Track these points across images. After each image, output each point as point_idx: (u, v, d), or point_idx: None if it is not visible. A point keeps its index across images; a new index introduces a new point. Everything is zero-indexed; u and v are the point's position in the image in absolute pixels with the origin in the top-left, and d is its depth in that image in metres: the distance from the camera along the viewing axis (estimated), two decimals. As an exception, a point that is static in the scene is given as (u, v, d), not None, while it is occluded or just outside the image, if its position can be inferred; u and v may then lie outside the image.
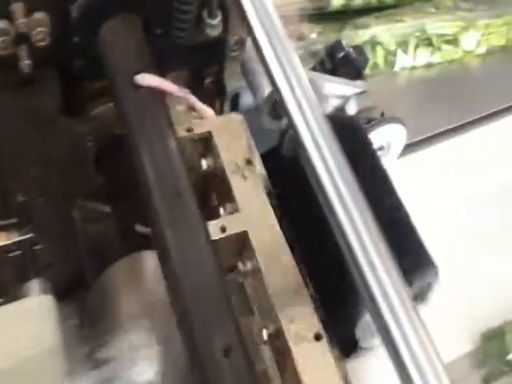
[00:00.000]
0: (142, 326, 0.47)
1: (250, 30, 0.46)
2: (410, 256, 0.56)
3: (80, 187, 0.64)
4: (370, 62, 0.80)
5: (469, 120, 0.80)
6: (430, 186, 0.75)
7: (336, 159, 0.39)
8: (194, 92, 0.81)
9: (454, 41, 0.83)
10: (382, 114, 0.75)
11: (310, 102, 0.41)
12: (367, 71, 0.79)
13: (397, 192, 0.59)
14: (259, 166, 0.52)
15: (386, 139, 0.69)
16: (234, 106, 0.73)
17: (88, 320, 0.55)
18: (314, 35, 0.77)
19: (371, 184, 0.59)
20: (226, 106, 0.72)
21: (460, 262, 0.66)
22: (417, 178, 0.76)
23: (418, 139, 0.78)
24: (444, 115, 0.80)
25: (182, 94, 0.51)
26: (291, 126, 0.41)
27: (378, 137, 0.68)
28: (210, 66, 0.71)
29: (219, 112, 0.71)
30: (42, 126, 0.58)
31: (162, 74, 0.56)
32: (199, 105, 0.52)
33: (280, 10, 0.84)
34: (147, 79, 0.49)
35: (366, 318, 0.53)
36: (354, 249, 0.36)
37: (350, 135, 0.62)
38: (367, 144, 0.62)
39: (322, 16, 0.83)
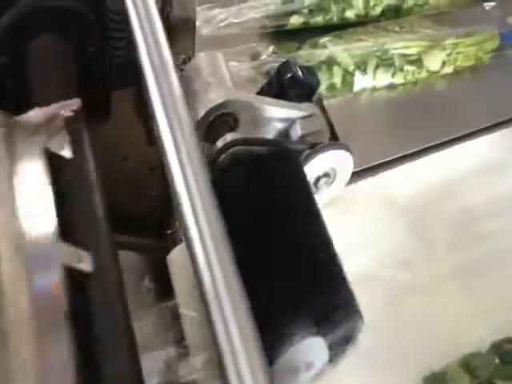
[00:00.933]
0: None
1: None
2: (333, 299, 0.53)
3: None
4: (327, 83, 0.77)
5: (431, 144, 0.77)
6: (384, 213, 0.72)
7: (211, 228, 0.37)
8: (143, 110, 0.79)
9: (417, 61, 0.80)
10: (330, 139, 0.72)
11: (193, 165, 0.38)
12: (324, 92, 0.77)
13: (327, 230, 0.57)
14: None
15: (330, 166, 0.67)
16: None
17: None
18: (266, 54, 0.75)
19: (300, 222, 0.57)
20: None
21: (398, 303, 0.63)
22: (369, 205, 0.73)
23: (375, 163, 0.75)
24: (404, 139, 0.77)
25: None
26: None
27: (321, 163, 0.66)
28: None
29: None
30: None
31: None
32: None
33: (239, 27, 0.83)
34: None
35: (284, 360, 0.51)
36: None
37: (283, 169, 0.59)
38: (299, 179, 0.59)
39: (281, 34, 0.81)
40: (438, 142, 0.77)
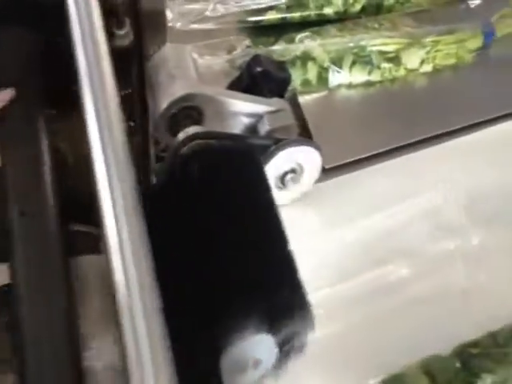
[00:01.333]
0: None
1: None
2: (285, 297, 0.53)
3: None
4: (302, 79, 0.76)
5: (407, 142, 0.76)
6: (353, 212, 0.71)
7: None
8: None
9: (395, 58, 0.78)
10: (303, 135, 0.72)
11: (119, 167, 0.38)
12: (299, 88, 0.76)
13: (282, 228, 0.56)
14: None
15: (297, 162, 0.66)
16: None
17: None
18: (242, 48, 0.74)
19: (254, 218, 0.56)
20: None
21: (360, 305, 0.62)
22: (339, 203, 0.72)
23: (348, 161, 0.74)
24: (379, 137, 0.76)
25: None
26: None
27: (287, 158, 0.65)
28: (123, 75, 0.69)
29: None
30: None
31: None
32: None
33: (216, 21, 0.82)
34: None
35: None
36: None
37: (241, 164, 0.59)
38: (257, 175, 0.58)
39: (258, 29, 0.80)
40: (413, 141, 0.76)
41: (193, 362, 0.49)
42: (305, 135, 0.74)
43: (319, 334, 0.60)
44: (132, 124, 0.70)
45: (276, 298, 0.52)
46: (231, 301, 0.51)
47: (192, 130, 0.60)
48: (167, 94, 0.61)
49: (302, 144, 0.64)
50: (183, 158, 0.58)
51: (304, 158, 0.66)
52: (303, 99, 0.76)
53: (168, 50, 0.64)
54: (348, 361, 0.60)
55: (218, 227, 0.54)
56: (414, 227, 0.70)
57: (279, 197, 0.69)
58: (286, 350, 0.52)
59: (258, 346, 0.50)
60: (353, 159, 0.74)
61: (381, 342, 0.60)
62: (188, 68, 0.63)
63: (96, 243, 0.60)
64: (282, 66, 0.71)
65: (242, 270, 0.53)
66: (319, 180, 0.73)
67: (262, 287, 0.52)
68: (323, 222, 0.71)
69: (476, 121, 0.78)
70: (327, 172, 0.74)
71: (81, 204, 0.69)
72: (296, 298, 0.53)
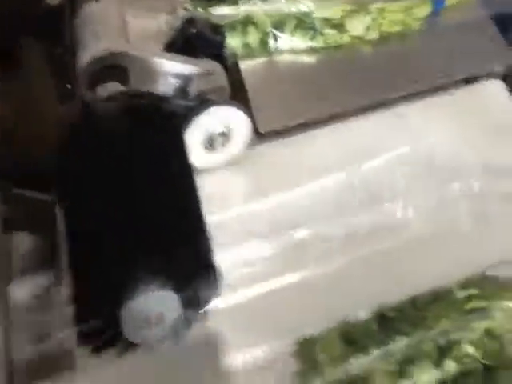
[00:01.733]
0: None
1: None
2: (193, 257, 0.53)
3: None
4: (242, 43, 0.75)
5: (349, 109, 0.75)
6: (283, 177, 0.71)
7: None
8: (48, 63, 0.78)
9: (339, 25, 0.77)
10: (235, 99, 0.71)
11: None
12: (239, 52, 0.76)
13: (195, 190, 0.56)
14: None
15: (225, 124, 0.65)
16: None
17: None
18: (181, 10, 0.73)
19: (166, 179, 0.56)
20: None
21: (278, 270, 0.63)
22: (275, 167, 0.71)
23: (285, 126, 0.73)
24: (320, 103, 0.75)
25: None
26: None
27: (214, 119, 0.64)
28: (54, 36, 0.69)
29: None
30: None
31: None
32: None
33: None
34: None
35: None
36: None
37: (157, 124, 0.58)
38: (172, 136, 0.58)
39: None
40: (356, 107, 0.75)
41: (95, 311, 0.49)
42: (242, 99, 0.73)
43: (236, 295, 0.61)
44: (69, 86, 0.70)
45: (182, 257, 0.52)
46: (137, 256, 0.51)
47: (111, 87, 0.60)
48: (89, 51, 0.60)
49: (227, 105, 0.64)
50: (99, 114, 0.58)
51: (232, 120, 0.66)
52: (244, 64, 0.76)
53: (94, 7, 0.63)
54: (263, 322, 0.60)
55: (127, 184, 0.54)
56: (347, 195, 0.70)
57: (210, 159, 0.69)
58: (190, 309, 0.52)
59: (162, 301, 0.51)
60: (291, 124, 0.74)
61: (298, 305, 0.60)
62: (113, 26, 0.63)
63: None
64: (217, 28, 0.70)
65: (151, 229, 0.53)
66: (255, 144, 0.73)
67: (168, 246, 0.52)
68: (256, 185, 0.70)
69: (421, 89, 0.78)
70: (264, 136, 0.74)
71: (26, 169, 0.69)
72: (202, 260, 0.53)
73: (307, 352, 0.59)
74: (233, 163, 0.70)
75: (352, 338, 0.59)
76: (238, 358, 0.59)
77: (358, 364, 0.57)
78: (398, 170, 0.71)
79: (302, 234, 0.66)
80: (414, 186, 0.68)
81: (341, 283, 0.61)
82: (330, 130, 0.74)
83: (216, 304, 0.58)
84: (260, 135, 0.74)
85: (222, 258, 0.58)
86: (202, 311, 0.55)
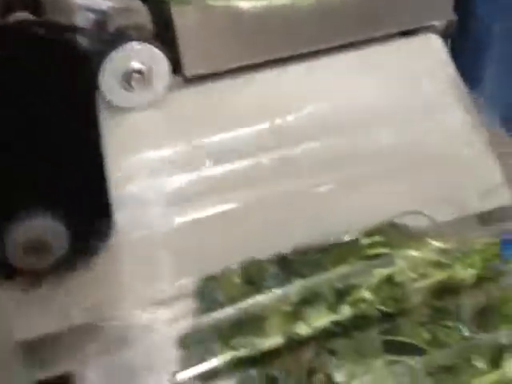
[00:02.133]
0: None
1: None
2: (88, 197, 0.53)
3: None
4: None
5: (276, 57, 0.75)
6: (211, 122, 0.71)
7: None
8: None
9: (273, -29, 0.76)
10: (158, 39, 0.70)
11: None
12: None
13: (97, 129, 0.56)
14: None
15: (142, 63, 0.65)
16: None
17: None
18: None
19: (73, 116, 0.56)
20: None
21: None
22: (197, 112, 0.71)
23: (212, 71, 0.73)
24: (249, 51, 0.74)
25: None
26: None
27: (131, 56, 0.64)
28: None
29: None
30: None
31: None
32: None
33: None
34: None
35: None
36: None
37: (63, 57, 0.58)
38: (80, 70, 0.58)
39: None
40: (284, 56, 0.74)
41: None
42: (170, 41, 0.73)
43: (139, 231, 0.62)
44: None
45: (76, 193, 0.52)
46: (29, 187, 0.51)
47: (21, 16, 0.59)
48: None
49: (145, 43, 0.64)
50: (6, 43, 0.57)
51: (151, 60, 0.65)
52: (176, 6, 0.75)
53: None
54: (165, 258, 0.60)
55: (27, 115, 0.54)
56: (267, 139, 0.69)
57: (128, 98, 0.68)
58: (82, 243, 0.53)
59: (49, 231, 0.51)
60: (219, 70, 0.73)
61: (201, 244, 0.61)
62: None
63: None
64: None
65: (47, 162, 0.53)
66: (180, 87, 0.72)
67: (64, 181, 0.52)
68: (176, 128, 0.70)
69: (357, 39, 0.77)
70: (192, 80, 0.73)
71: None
72: (97, 198, 0.54)
73: (208, 290, 0.60)
74: (155, 105, 0.70)
75: (252, 278, 0.59)
76: (139, 292, 0.60)
77: (255, 303, 0.58)
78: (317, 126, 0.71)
79: (215, 171, 0.66)
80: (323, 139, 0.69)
81: (243, 224, 0.62)
82: (256, 79, 0.73)
83: (119, 238, 0.58)
84: (187, 79, 0.73)
85: (131, 193, 0.59)
86: (99, 245, 0.55)
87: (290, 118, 0.70)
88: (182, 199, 0.63)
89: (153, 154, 0.68)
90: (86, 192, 0.53)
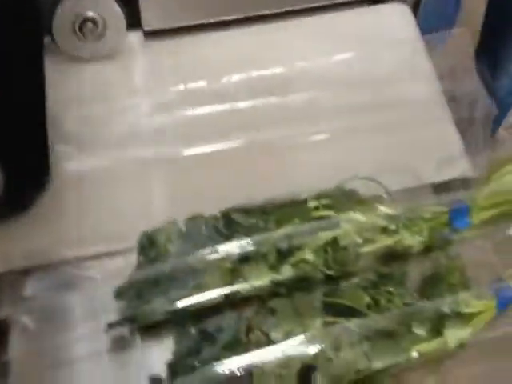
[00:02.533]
0: None
1: None
2: (26, 144, 0.52)
3: None
4: None
5: (243, 16, 0.74)
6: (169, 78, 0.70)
7: None
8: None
9: None
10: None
11: None
12: None
13: (41, 75, 0.55)
14: None
15: (94, 11, 0.63)
16: None
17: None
18: None
19: (16, 64, 0.55)
20: None
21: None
22: (156, 67, 0.70)
23: (172, 26, 0.72)
24: (208, 9, 0.73)
25: None
26: None
27: (83, 5, 0.63)
28: None
29: None
30: None
31: None
32: None
33: None
34: None
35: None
36: None
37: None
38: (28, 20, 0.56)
39: None
40: (251, 15, 0.73)
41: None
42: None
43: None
44: None
45: (14, 138, 0.51)
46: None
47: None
48: None
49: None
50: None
51: (104, 9, 0.64)
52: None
53: None
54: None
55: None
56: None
57: (82, 48, 0.67)
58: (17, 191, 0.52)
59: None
60: (178, 26, 0.72)
61: (145, 197, 0.61)
62: None
63: None
64: None
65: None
66: (139, 42, 0.71)
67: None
68: (135, 83, 0.69)
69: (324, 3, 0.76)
70: (150, 35, 0.72)
71: None
72: (35, 146, 0.53)
73: (150, 243, 0.59)
74: (109, 57, 0.69)
75: (193, 233, 0.59)
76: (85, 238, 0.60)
77: (196, 258, 0.57)
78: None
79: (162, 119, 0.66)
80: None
81: (192, 179, 0.61)
82: (215, 37, 0.72)
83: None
84: (148, 33, 0.72)
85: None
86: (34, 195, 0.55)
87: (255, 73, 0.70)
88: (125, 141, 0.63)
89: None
90: (25, 138, 0.52)
